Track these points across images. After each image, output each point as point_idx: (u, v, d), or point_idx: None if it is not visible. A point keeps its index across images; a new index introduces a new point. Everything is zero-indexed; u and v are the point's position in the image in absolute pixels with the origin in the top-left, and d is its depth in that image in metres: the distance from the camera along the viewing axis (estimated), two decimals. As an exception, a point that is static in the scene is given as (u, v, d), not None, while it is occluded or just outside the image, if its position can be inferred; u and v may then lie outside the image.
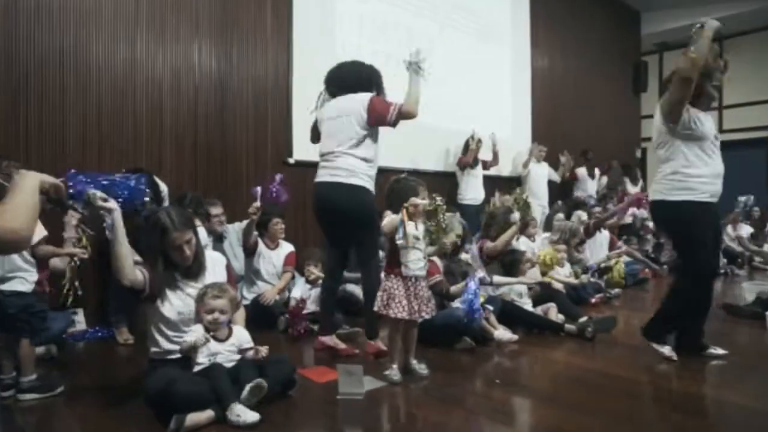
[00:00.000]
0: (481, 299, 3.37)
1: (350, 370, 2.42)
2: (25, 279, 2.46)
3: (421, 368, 2.74)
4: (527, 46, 7.68)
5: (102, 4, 3.96)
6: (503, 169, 6.86)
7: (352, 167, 2.99)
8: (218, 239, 4.14)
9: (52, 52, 3.74)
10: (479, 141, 6.07)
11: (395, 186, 2.94)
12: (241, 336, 2.35)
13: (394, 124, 3.05)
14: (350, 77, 3.16)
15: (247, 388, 2.10)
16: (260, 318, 3.62)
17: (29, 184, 1.32)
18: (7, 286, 2.40)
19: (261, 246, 4.01)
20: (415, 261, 2.61)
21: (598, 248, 5.79)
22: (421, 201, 2.62)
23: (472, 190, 6.07)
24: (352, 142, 3.01)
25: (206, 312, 2.26)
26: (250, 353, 2.31)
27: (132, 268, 2.22)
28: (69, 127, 3.80)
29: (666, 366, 2.96)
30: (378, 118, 3.01)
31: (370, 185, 3.06)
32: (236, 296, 2.40)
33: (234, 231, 4.31)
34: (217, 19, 4.58)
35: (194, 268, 2.40)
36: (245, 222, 4.28)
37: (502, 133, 7.04)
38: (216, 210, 4.04)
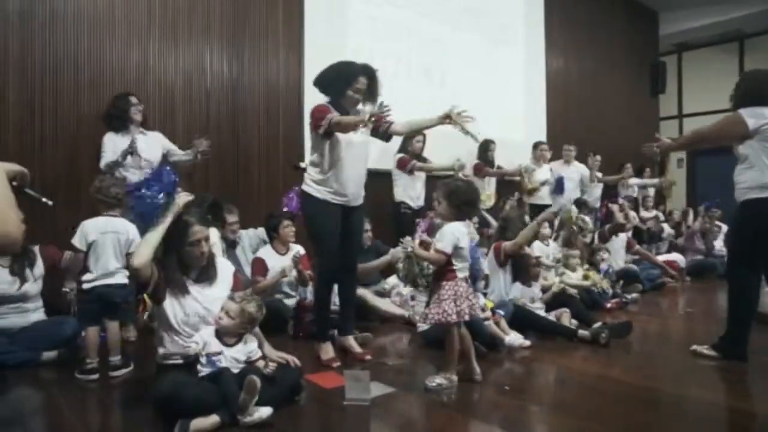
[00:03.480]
0: (490, 304, 3.34)
1: (357, 376, 2.40)
2: (125, 274, 2.90)
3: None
4: (542, 47, 7.61)
5: (115, 10, 4.02)
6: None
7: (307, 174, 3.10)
8: (231, 245, 4.14)
9: (66, 58, 3.81)
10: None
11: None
12: (250, 344, 2.35)
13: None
14: None
15: (242, 390, 2.09)
16: (270, 321, 3.60)
17: None
18: (115, 280, 2.87)
19: (269, 257, 3.96)
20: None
21: (614, 253, 5.69)
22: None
23: (484, 194, 5.99)
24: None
25: (221, 308, 2.31)
26: (259, 363, 2.31)
27: (149, 258, 2.25)
28: (83, 130, 3.87)
29: (684, 374, 2.90)
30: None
31: (309, 188, 3.06)
32: (253, 314, 2.32)
33: (247, 237, 4.32)
34: (229, 23, 4.62)
35: (206, 273, 2.44)
36: (260, 228, 4.30)
37: (516, 135, 6.98)
38: (232, 218, 4.05)
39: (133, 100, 3.83)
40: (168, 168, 2.34)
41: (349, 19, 5.46)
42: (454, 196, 2.68)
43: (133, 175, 3.73)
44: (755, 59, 9.09)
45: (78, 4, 3.86)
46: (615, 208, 6.01)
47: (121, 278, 2.90)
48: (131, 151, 3.64)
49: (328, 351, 3.03)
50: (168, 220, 2.31)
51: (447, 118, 2.89)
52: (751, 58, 9.32)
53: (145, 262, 2.23)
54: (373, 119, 2.80)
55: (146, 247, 2.26)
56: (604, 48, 8.61)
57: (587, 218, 4.15)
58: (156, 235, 2.28)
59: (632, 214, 6.53)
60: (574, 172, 6.79)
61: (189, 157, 3.94)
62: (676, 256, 6.80)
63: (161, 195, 2.24)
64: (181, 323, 2.33)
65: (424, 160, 5.21)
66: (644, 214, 7.48)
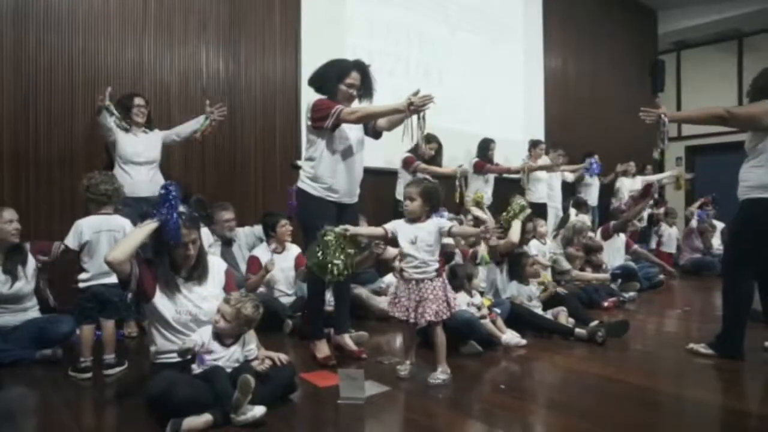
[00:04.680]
0: (488, 303, 3.33)
1: (352, 375, 2.39)
2: None
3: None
4: (540, 46, 7.60)
5: (110, 8, 4.01)
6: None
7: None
8: (227, 243, 4.14)
9: (61, 56, 3.80)
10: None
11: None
12: (249, 344, 2.34)
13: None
14: None
15: (236, 389, 2.08)
16: (267, 321, 3.59)
17: None
18: (111, 279, 2.71)
19: (264, 255, 3.95)
20: (411, 265, 2.68)
21: (615, 252, 5.73)
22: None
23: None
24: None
25: (216, 311, 2.29)
26: (255, 363, 2.30)
27: (128, 256, 2.22)
28: (77, 129, 3.85)
29: (681, 372, 2.90)
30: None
31: (305, 185, 3.04)
32: (249, 316, 2.29)
33: (244, 235, 4.32)
34: (225, 21, 4.60)
35: (197, 272, 2.42)
36: (256, 226, 4.29)
37: (514, 134, 6.97)
38: (227, 215, 4.05)
39: (138, 101, 3.83)
40: (168, 185, 2.34)
41: (347, 18, 5.44)
42: (434, 196, 2.78)
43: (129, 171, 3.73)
44: (754, 58, 9.09)
45: (72, 1, 3.84)
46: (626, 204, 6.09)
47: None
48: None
49: (323, 349, 3.02)
50: (154, 224, 2.27)
51: (410, 106, 2.71)
52: (749, 56, 9.32)
53: (120, 258, 2.20)
54: (413, 108, 2.70)
55: (126, 244, 2.24)
56: (603, 47, 8.60)
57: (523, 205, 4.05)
58: (140, 234, 2.26)
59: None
60: (557, 174, 6.88)
61: (197, 125, 3.96)
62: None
63: (173, 213, 2.26)
64: (172, 321, 2.32)
65: (439, 164, 5.24)
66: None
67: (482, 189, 5.87)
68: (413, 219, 2.77)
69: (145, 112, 3.86)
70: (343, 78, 2.97)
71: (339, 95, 2.98)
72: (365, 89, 3.04)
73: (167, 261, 2.35)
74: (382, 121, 3.10)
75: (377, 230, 2.82)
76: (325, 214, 2.98)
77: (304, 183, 3.04)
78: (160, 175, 3.90)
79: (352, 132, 3.04)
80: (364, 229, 2.79)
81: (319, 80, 3.04)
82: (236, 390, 2.06)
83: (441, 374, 2.65)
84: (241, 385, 2.05)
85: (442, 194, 2.84)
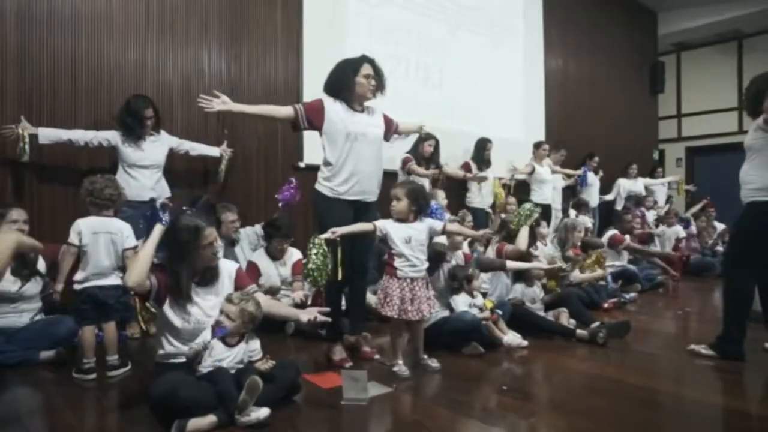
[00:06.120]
0: (490, 304, 3.34)
1: (355, 376, 2.40)
2: (118, 275, 2.89)
3: (432, 361, 2.89)
4: (540, 47, 7.61)
5: (113, 10, 4.02)
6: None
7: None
8: (231, 244, 4.15)
9: (64, 58, 3.80)
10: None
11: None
12: (251, 344, 2.35)
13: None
14: None
15: (243, 390, 2.09)
16: (269, 322, 3.60)
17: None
18: (107, 281, 2.85)
19: (263, 261, 3.97)
20: (406, 264, 2.77)
21: (616, 254, 5.73)
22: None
23: (480, 193, 5.99)
24: None
25: (220, 311, 2.31)
26: (259, 364, 2.31)
27: (146, 274, 2.25)
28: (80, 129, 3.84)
29: (681, 373, 2.91)
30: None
31: (321, 187, 3.04)
32: (253, 313, 2.32)
33: (246, 235, 4.32)
34: (227, 23, 4.62)
35: (210, 274, 2.43)
36: (257, 226, 4.30)
37: (514, 135, 6.99)
38: (232, 216, 4.05)
39: (148, 113, 3.78)
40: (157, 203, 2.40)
41: (348, 19, 5.46)
42: (422, 197, 2.87)
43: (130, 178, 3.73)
44: (754, 59, 9.11)
45: (75, 4, 3.85)
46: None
47: (114, 279, 2.87)
48: None
49: (340, 351, 3.02)
50: (156, 234, 2.29)
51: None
52: (749, 57, 9.33)
53: (140, 279, 2.22)
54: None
55: (142, 263, 2.24)
56: (603, 48, 8.61)
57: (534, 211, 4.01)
58: (149, 249, 2.27)
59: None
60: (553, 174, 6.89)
61: (212, 152, 4.34)
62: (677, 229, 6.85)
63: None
64: (180, 328, 2.33)
65: (437, 163, 5.26)
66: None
67: (484, 189, 5.92)
68: (401, 219, 2.83)
69: (152, 124, 3.84)
70: (358, 70, 2.99)
71: (358, 88, 2.99)
72: (378, 81, 3.05)
73: (184, 268, 2.33)
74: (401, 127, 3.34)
75: (367, 227, 2.82)
76: (341, 214, 2.96)
77: (320, 185, 3.04)
78: (164, 179, 3.91)
79: (369, 129, 3.05)
80: (352, 227, 2.79)
81: (334, 81, 3.04)
82: (243, 391, 2.07)
83: (401, 364, 2.81)
84: (248, 386, 2.07)
85: (429, 196, 2.87)
